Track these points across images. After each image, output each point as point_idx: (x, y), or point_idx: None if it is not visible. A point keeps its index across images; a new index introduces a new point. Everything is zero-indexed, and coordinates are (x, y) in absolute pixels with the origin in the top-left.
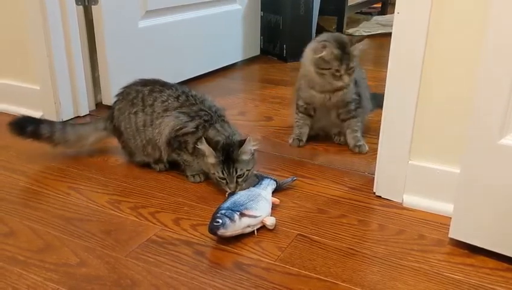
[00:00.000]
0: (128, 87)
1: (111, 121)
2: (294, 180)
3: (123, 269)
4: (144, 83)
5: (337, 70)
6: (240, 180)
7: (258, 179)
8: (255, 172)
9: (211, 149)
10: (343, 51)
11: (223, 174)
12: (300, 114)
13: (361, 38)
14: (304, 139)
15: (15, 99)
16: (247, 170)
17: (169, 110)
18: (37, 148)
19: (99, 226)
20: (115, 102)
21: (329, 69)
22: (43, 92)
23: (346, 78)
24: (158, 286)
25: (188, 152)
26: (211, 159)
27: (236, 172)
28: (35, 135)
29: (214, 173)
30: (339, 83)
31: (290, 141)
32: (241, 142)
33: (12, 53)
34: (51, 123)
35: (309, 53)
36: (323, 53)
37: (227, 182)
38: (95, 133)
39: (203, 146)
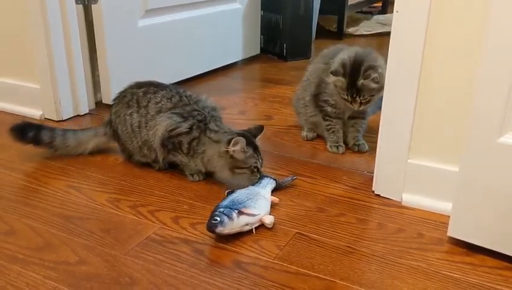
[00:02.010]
0: (124, 91)
1: (110, 126)
2: (294, 179)
3: (122, 267)
4: (139, 85)
5: (346, 100)
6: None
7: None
8: None
9: (246, 145)
10: (353, 82)
11: (258, 163)
12: (334, 120)
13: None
14: (342, 143)
15: (15, 98)
16: None
17: (162, 112)
18: (36, 147)
19: (98, 224)
20: (112, 106)
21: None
22: (43, 91)
23: (356, 106)
24: (157, 284)
25: (183, 153)
26: (241, 155)
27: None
28: (36, 141)
29: (249, 166)
30: (354, 107)
31: (329, 149)
32: (257, 131)
33: (13, 52)
34: (51, 129)
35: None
36: (332, 79)
37: (258, 170)
38: (95, 139)
39: (239, 145)
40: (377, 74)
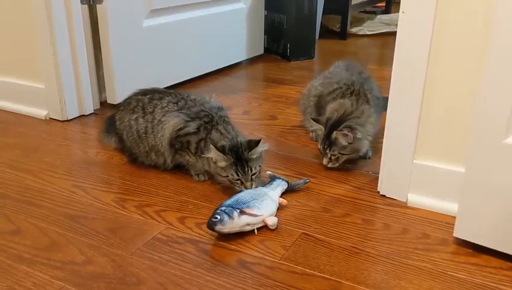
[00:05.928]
0: (129, 98)
1: (116, 133)
2: (307, 182)
3: (128, 267)
4: (144, 92)
5: (320, 151)
6: (254, 177)
7: (270, 179)
8: (269, 172)
9: (221, 154)
10: (329, 134)
11: (238, 175)
12: None
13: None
14: None
15: (20, 98)
16: (259, 166)
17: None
18: (41, 147)
19: (104, 224)
20: (116, 113)
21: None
22: (48, 91)
23: (325, 160)
24: (163, 283)
25: (190, 152)
26: (221, 163)
27: (251, 171)
28: None
29: (227, 176)
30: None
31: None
32: (252, 143)
33: (18, 52)
34: None
35: None
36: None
37: (242, 182)
38: (111, 140)
39: (212, 153)
40: (351, 135)
